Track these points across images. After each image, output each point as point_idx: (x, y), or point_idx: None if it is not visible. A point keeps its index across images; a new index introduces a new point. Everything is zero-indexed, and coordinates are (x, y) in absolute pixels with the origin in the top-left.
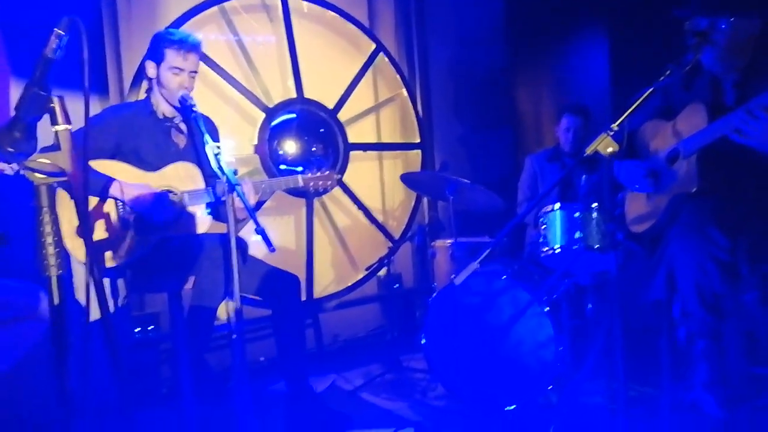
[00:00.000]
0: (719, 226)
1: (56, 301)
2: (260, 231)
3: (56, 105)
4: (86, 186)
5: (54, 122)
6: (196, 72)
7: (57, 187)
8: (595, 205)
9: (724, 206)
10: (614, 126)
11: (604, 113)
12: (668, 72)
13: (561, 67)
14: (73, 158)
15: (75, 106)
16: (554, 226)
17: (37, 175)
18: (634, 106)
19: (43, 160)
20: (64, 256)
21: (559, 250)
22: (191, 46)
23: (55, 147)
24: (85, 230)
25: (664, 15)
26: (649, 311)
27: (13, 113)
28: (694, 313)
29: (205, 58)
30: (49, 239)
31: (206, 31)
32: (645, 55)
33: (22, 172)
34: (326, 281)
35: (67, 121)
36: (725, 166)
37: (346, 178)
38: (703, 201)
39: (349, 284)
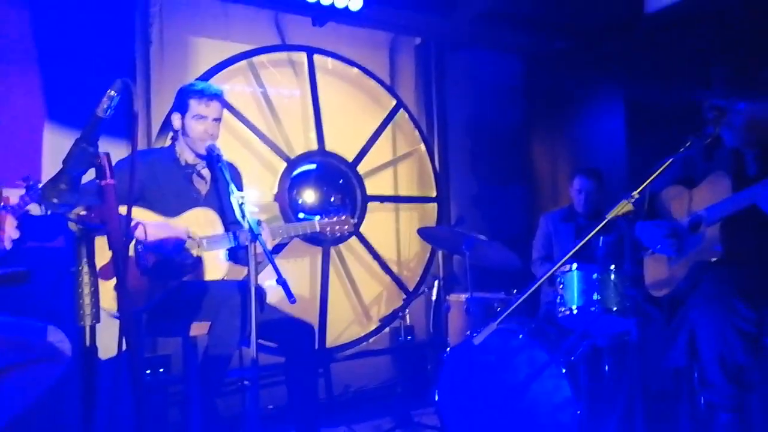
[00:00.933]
0: (743, 296)
1: (88, 346)
2: (282, 282)
3: (103, 160)
4: (128, 233)
5: (100, 177)
6: (219, 119)
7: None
8: (612, 266)
9: (747, 276)
10: (635, 194)
11: (620, 175)
12: (689, 144)
13: (577, 128)
14: (113, 205)
15: (110, 148)
16: (572, 286)
17: (79, 226)
18: (654, 176)
19: (84, 213)
20: (97, 306)
21: (576, 311)
22: (213, 95)
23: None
24: (121, 279)
25: (679, 81)
26: (668, 376)
27: (61, 166)
28: (717, 383)
29: (231, 108)
30: (87, 290)
31: (233, 83)
32: (660, 119)
33: (70, 225)
34: (339, 330)
35: (113, 176)
36: (749, 236)
37: (363, 228)
38: (726, 270)
39: (362, 335)
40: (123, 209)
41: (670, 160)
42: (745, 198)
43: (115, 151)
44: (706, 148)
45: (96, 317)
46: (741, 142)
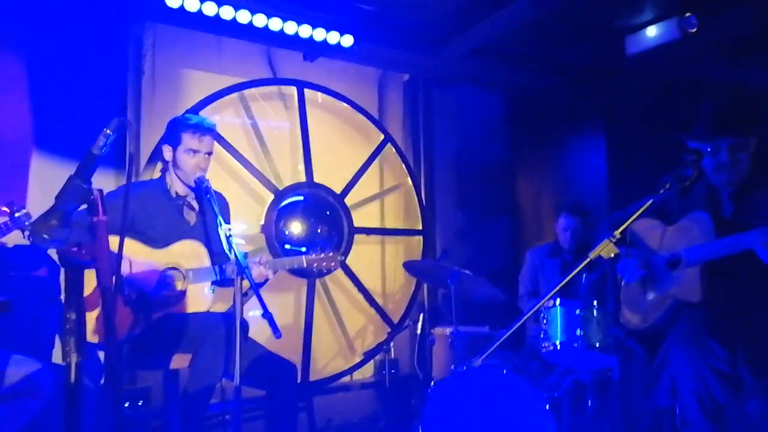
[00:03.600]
0: (718, 337)
1: (72, 384)
2: (267, 316)
3: (96, 197)
4: (119, 272)
5: (93, 213)
6: (211, 153)
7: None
8: (595, 303)
9: (722, 317)
10: (617, 233)
11: (601, 210)
12: (668, 185)
13: (560, 163)
14: (104, 242)
15: (97, 178)
16: (555, 322)
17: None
18: (634, 217)
19: (75, 249)
20: (83, 342)
21: (560, 347)
22: (206, 129)
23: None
24: (108, 316)
25: (658, 119)
26: (650, 413)
27: (47, 195)
28: (695, 422)
29: (220, 139)
30: (73, 326)
31: (224, 115)
32: (640, 155)
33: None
34: (323, 363)
35: (105, 212)
36: (726, 279)
37: (349, 260)
38: (702, 311)
39: (346, 368)
40: (113, 241)
41: (650, 201)
42: (732, 245)
43: (102, 181)
44: (683, 187)
45: (82, 354)
46: (720, 178)
